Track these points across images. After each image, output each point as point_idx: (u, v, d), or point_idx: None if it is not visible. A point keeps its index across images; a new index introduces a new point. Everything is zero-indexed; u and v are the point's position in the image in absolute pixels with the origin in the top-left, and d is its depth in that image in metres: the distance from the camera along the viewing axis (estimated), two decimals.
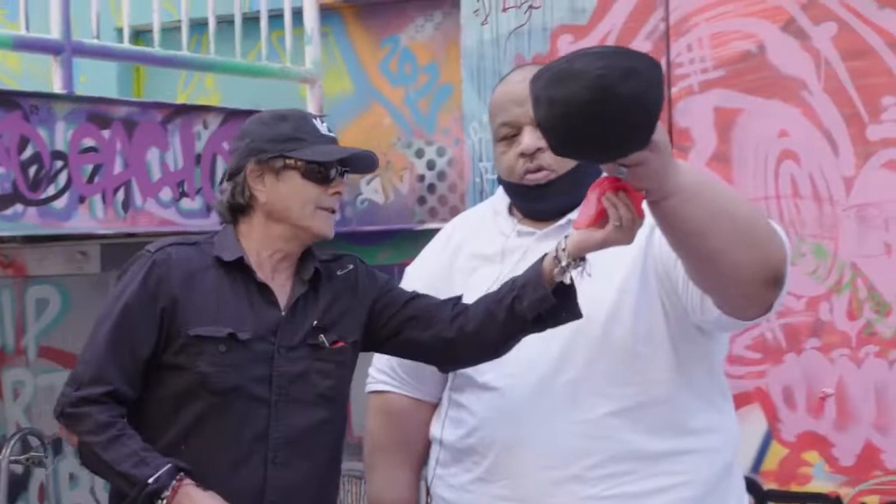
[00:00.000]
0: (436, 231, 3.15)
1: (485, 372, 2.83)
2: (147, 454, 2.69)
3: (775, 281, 2.53)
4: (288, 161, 2.81)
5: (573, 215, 2.78)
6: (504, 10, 4.63)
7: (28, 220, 3.89)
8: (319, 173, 2.81)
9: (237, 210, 2.87)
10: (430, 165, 4.97)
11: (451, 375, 2.92)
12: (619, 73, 2.14)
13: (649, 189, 2.34)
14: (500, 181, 2.92)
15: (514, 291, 2.70)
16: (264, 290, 2.82)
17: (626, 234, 2.44)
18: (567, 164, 2.78)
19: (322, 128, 2.87)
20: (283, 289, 2.85)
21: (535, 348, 2.76)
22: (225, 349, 2.77)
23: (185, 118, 4.40)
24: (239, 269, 2.82)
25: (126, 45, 4.51)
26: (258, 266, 2.83)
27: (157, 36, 4.47)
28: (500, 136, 2.84)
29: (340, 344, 2.87)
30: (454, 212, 4.56)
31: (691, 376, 2.78)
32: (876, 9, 4.10)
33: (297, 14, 4.91)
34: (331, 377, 2.87)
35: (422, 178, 4.99)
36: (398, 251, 4.79)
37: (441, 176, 4.95)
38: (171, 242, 2.88)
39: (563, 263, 2.57)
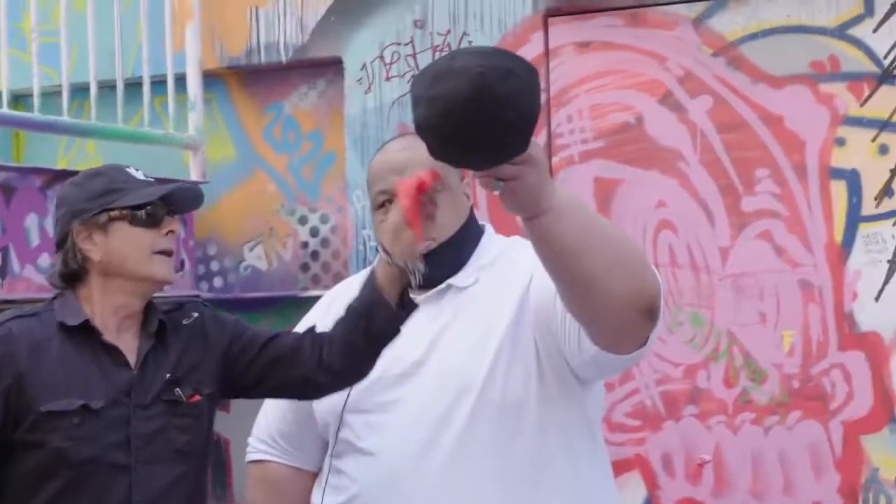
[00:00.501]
0: (319, 298, 3.13)
1: (365, 437, 2.81)
2: None
3: (650, 311, 2.52)
4: (112, 213, 2.75)
5: (453, 280, 2.83)
6: (387, 79, 4.67)
7: None
8: (148, 217, 2.75)
9: (72, 278, 2.79)
10: (314, 232, 4.95)
11: (331, 441, 2.89)
12: (498, 72, 2.14)
13: (525, 204, 2.33)
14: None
15: (362, 317, 2.70)
16: (112, 352, 2.74)
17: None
18: (445, 232, 2.80)
19: (138, 174, 2.81)
20: (130, 347, 2.77)
21: (415, 413, 2.76)
22: (79, 421, 2.68)
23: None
24: (84, 333, 2.74)
25: (5, 109, 4.42)
26: (104, 328, 2.75)
27: (37, 101, 4.39)
28: (378, 204, 2.84)
29: (197, 398, 2.81)
30: (337, 278, 4.54)
31: (571, 439, 2.79)
32: (749, 83, 4.20)
33: (181, 80, 4.88)
34: (188, 432, 2.80)
35: (305, 244, 4.96)
36: (282, 318, 4.72)
37: (324, 243, 4.93)
38: (10, 317, 2.78)
39: (415, 282, 2.62)
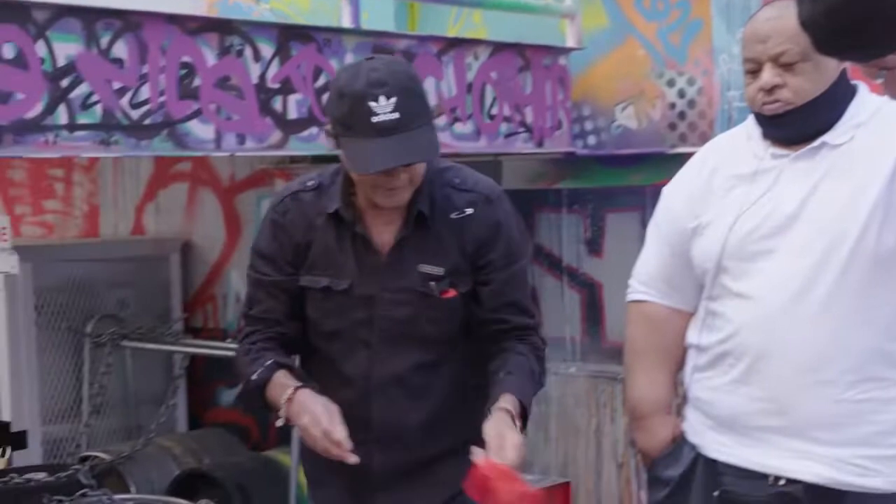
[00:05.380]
0: (686, 155, 3.07)
1: (742, 282, 2.78)
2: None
3: None
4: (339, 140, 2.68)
5: (827, 137, 2.73)
6: None
7: (321, 142, 3.94)
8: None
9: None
10: (681, 94, 4.91)
11: (708, 285, 2.85)
12: None
13: None
14: None
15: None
16: (363, 239, 2.74)
17: None
18: (804, 96, 2.72)
19: (379, 107, 2.54)
20: (387, 229, 2.75)
21: (787, 264, 2.71)
22: (322, 297, 2.76)
23: (457, 50, 4.40)
24: (340, 218, 2.75)
25: None
26: (366, 206, 2.73)
27: None
28: (746, 70, 2.80)
29: (452, 293, 2.76)
30: (703, 137, 4.52)
31: None
32: None
33: None
34: (439, 324, 2.77)
35: (673, 105, 4.94)
36: (650, 173, 4.76)
37: (691, 104, 4.89)
38: (294, 190, 2.82)
39: None
